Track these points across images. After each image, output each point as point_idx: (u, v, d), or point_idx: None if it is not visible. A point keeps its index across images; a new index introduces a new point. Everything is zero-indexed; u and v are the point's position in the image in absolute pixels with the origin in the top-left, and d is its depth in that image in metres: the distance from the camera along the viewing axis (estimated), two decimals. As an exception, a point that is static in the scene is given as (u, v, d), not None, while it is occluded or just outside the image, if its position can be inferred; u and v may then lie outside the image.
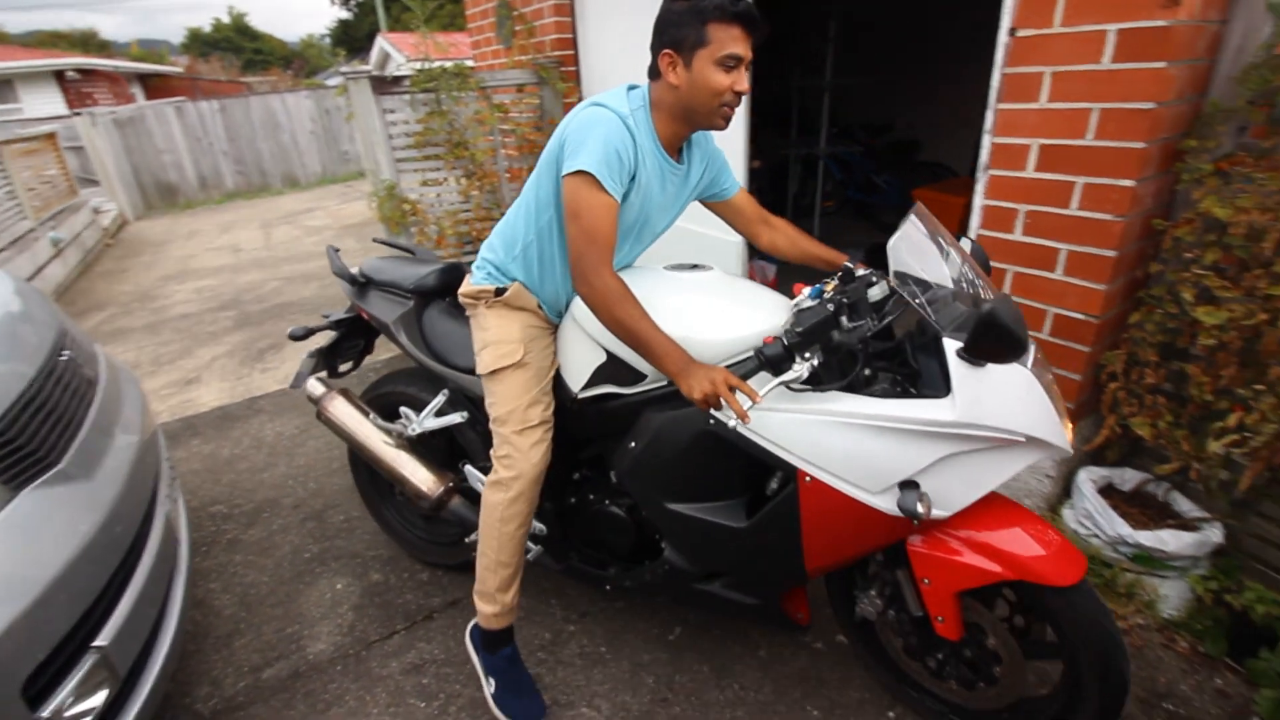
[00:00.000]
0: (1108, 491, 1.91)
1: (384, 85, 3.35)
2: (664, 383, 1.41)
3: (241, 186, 11.93)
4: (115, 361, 1.96)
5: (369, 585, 2.09)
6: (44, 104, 14.60)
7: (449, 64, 3.58)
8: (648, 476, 1.47)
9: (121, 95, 16.23)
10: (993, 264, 1.94)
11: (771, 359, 1.14)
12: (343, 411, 1.94)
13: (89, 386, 1.60)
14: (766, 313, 1.36)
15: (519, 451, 1.49)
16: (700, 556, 1.51)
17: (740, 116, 2.78)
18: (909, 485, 1.16)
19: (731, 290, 1.47)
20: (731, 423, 1.16)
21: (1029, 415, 1.12)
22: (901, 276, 1.16)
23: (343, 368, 2.15)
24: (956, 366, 1.11)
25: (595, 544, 1.75)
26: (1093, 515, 1.83)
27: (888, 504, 1.17)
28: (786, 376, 1.14)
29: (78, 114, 9.62)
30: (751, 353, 1.17)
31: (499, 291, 1.51)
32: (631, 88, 1.39)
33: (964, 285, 1.23)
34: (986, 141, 1.90)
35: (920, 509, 1.12)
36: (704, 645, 1.79)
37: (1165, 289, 1.73)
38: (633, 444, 1.47)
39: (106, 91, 15.71)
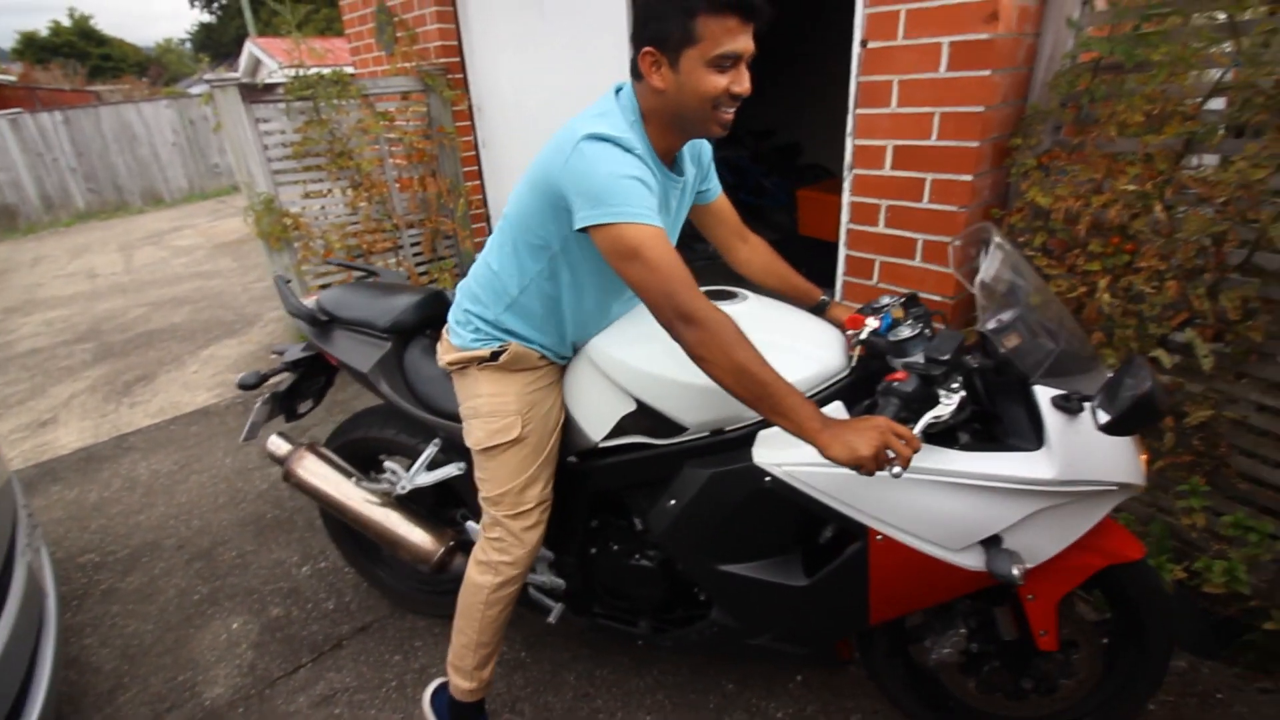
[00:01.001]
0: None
1: (255, 93, 3.18)
2: (706, 433, 1.26)
3: (95, 206, 10.82)
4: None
5: (269, 621, 1.98)
6: None
7: (327, 71, 3.44)
8: (693, 537, 1.32)
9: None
10: (862, 255, 2.12)
11: (914, 396, 1.00)
12: (316, 471, 1.68)
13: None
14: (828, 348, 1.23)
15: (512, 536, 1.35)
16: (754, 616, 1.38)
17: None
18: (993, 540, 1.08)
19: (781, 322, 1.30)
20: (895, 471, 0.95)
21: (1120, 461, 1.07)
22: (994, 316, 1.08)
23: (302, 409, 1.88)
24: (1053, 417, 1.04)
25: (622, 596, 1.56)
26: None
27: (971, 561, 1.09)
28: (939, 411, 1.01)
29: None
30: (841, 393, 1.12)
31: (495, 355, 1.31)
32: (618, 89, 1.19)
33: (1030, 316, 1.13)
34: (850, 144, 2.07)
35: (1016, 573, 1.03)
36: (621, 638, 1.80)
37: (1007, 271, 1.95)
38: (672, 501, 1.30)
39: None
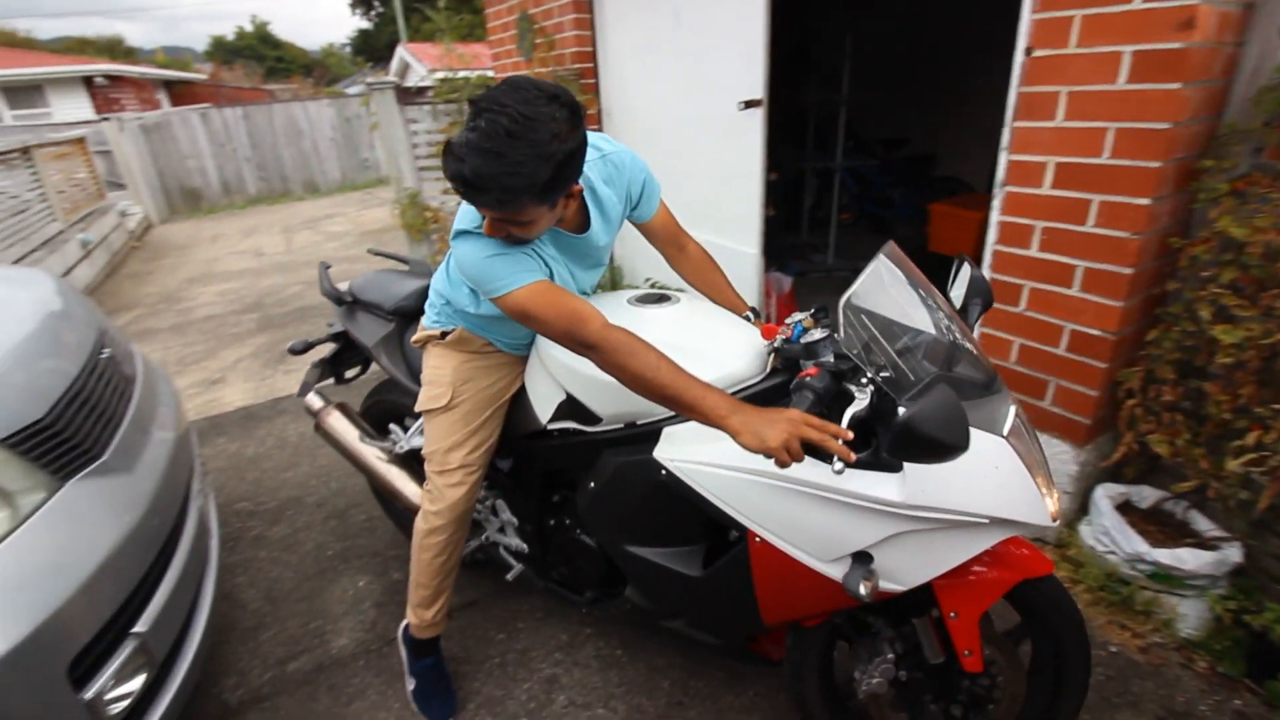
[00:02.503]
0: (1125, 508, 1.91)
1: (408, 95, 3.44)
2: (620, 425, 1.38)
3: (263, 192, 12.15)
4: (149, 360, 2.03)
5: (390, 584, 2.13)
6: (72, 109, 14.94)
7: (472, 75, 3.66)
8: (606, 518, 1.45)
9: (148, 101, 16.59)
10: (1009, 279, 1.97)
11: (827, 390, 1.03)
12: (338, 426, 1.99)
13: (127, 383, 1.66)
14: (743, 354, 1.26)
15: (437, 490, 1.55)
16: (658, 599, 1.49)
17: (757, 130, 2.83)
18: (862, 556, 1.09)
19: (703, 325, 1.37)
20: (838, 467, 0.96)
21: (998, 495, 1.02)
22: (857, 327, 1.04)
23: (349, 374, 2.18)
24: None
25: (570, 565, 1.71)
26: (1110, 532, 1.84)
27: (837, 573, 1.10)
28: (856, 407, 1.01)
29: (106, 119, 9.84)
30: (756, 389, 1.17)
31: (444, 335, 1.54)
32: None
33: (943, 336, 1.12)
34: (1004, 159, 1.93)
35: (863, 591, 1.04)
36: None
37: (1183, 307, 1.74)
38: (591, 484, 1.43)
39: (133, 97, 16.06)
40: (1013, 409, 1.08)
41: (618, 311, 1.37)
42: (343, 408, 2.03)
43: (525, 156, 1.04)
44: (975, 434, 0.99)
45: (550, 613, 1.97)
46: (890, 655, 1.26)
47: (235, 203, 11.72)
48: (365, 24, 35.75)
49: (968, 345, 1.13)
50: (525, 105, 1.04)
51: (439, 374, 1.54)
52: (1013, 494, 1.03)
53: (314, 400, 2.05)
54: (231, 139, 11.79)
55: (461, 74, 3.60)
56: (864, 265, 1.13)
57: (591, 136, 1.33)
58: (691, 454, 1.23)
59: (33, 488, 1.19)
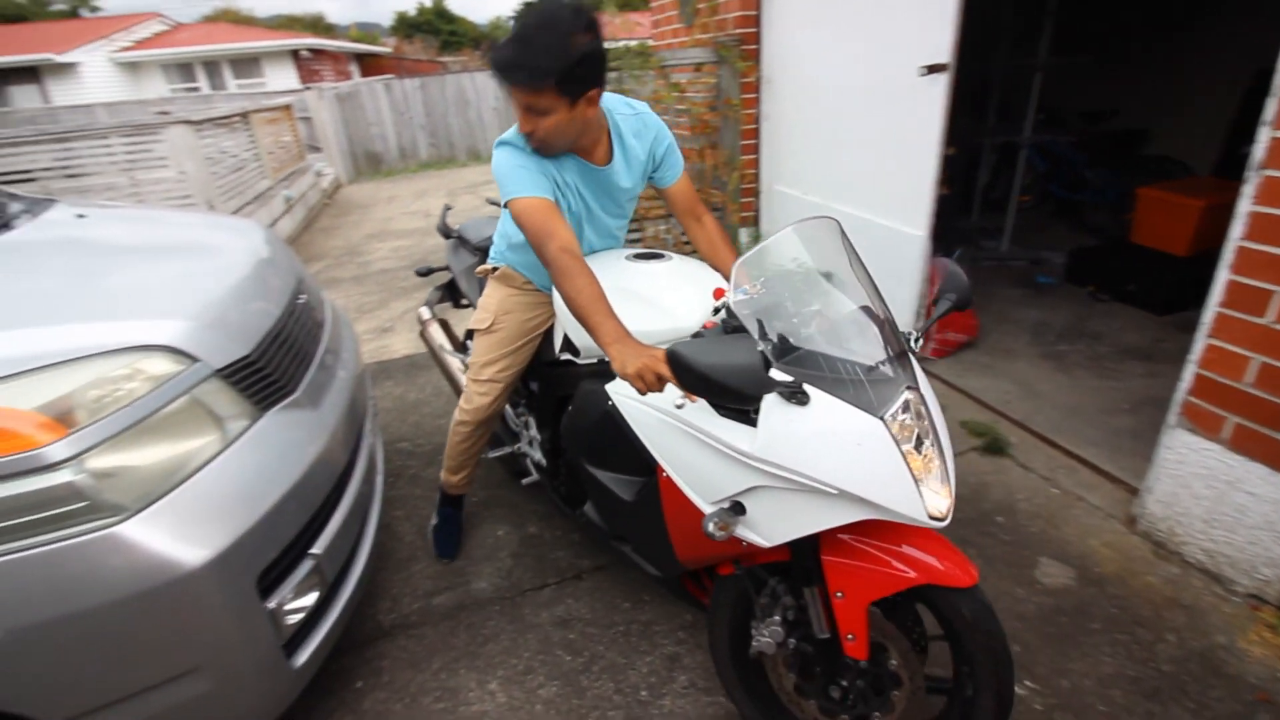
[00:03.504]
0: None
1: (572, 64, 3.49)
2: (594, 360, 1.62)
3: (434, 157, 13.12)
4: (335, 306, 2.24)
5: (526, 536, 2.24)
6: (282, 79, 16.95)
7: (633, 43, 3.64)
8: (572, 436, 1.69)
9: (342, 73, 18.45)
10: (1256, 284, 1.63)
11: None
12: (434, 335, 2.49)
13: (318, 327, 1.84)
14: (687, 310, 1.45)
15: (469, 394, 1.92)
16: (607, 518, 1.68)
17: (939, 98, 2.56)
18: (737, 506, 1.18)
19: (670, 283, 1.54)
20: (679, 402, 1.18)
21: (854, 471, 1.04)
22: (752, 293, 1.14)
23: (464, 301, 2.50)
24: (769, 400, 1.09)
25: (568, 486, 1.94)
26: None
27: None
28: None
29: (308, 88, 11.03)
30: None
31: (495, 270, 1.89)
32: None
33: (835, 312, 1.20)
34: (1265, 135, 1.58)
35: (711, 528, 1.14)
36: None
37: None
38: (570, 407, 1.69)
39: (330, 69, 17.92)
40: (907, 396, 1.09)
41: (616, 262, 1.62)
42: (442, 323, 2.53)
43: (549, 43, 1.31)
44: (843, 408, 1.05)
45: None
46: (778, 618, 1.30)
47: (409, 166, 12.77)
48: (530, -4, 37.10)
49: (871, 325, 1.18)
50: (551, 6, 1.34)
51: (488, 301, 1.87)
52: (876, 475, 1.04)
53: (424, 312, 2.56)
54: (409, 108, 12.80)
55: (621, 43, 3.59)
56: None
57: (631, 101, 1.67)
58: (628, 389, 1.38)
59: (239, 415, 1.35)
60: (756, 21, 3.72)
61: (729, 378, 1.03)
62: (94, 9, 33.27)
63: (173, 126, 5.30)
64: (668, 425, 1.29)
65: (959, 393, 2.93)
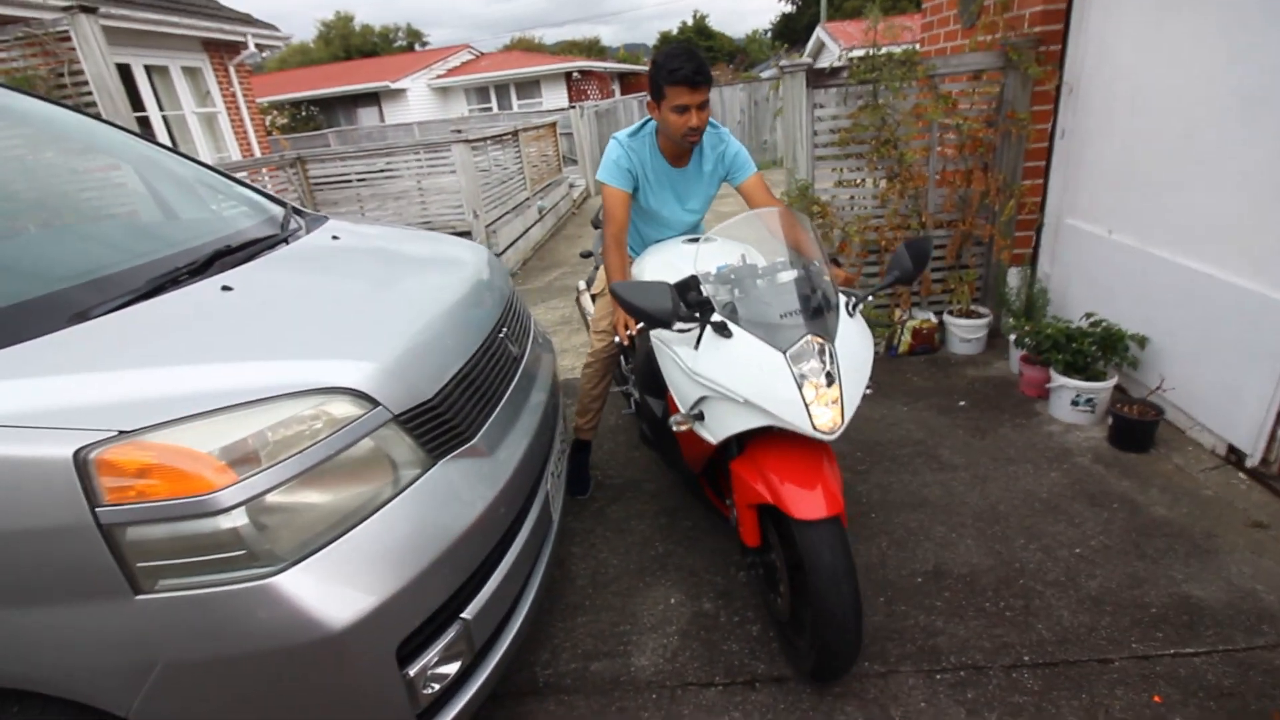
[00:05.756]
0: None
1: (820, 78, 3.14)
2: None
3: (673, 170, 13.52)
4: (539, 329, 2.22)
5: (699, 613, 1.98)
6: (555, 98, 18.90)
7: (896, 50, 3.17)
8: (636, 373, 2.29)
9: (606, 91, 20.01)
10: None
11: (675, 294, 1.56)
12: (585, 304, 2.92)
13: (512, 364, 1.77)
14: (672, 276, 1.72)
15: (591, 342, 2.43)
16: (651, 429, 2.24)
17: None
18: (701, 415, 1.68)
19: (701, 254, 1.83)
20: (615, 339, 2.19)
21: (755, 386, 1.47)
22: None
23: None
24: (708, 331, 1.59)
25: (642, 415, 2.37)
26: None
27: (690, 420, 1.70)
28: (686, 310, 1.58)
29: (572, 107, 12.04)
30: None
31: None
32: (647, 121, 2.23)
33: (770, 276, 1.68)
34: None
35: (672, 423, 1.69)
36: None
37: None
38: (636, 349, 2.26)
39: (596, 88, 19.53)
40: (815, 344, 1.46)
41: (675, 244, 2.31)
42: (590, 293, 2.81)
43: (696, 55, 1.99)
44: (755, 341, 1.50)
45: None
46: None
47: (650, 179, 13.31)
48: (788, 8, 36.76)
49: (797, 290, 1.58)
50: (688, 44, 2.14)
51: (600, 272, 2.43)
52: (773, 392, 1.45)
53: (580, 285, 3.02)
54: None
55: (884, 50, 3.14)
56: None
57: (714, 123, 2.20)
58: (662, 335, 1.80)
59: (411, 464, 1.29)
60: (1064, 17, 3.00)
61: (645, 307, 1.52)
62: (424, 43, 40.67)
63: (455, 145, 6.03)
64: (667, 357, 1.81)
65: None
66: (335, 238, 2.00)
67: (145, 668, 1.05)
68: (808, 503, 1.47)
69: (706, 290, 1.62)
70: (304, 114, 21.36)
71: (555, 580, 2.18)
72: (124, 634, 1.04)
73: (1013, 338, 3.12)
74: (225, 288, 1.47)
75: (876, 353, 3.57)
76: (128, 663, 1.05)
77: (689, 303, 1.59)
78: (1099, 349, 2.71)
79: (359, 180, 6.32)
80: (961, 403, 3.06)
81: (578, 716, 1.70)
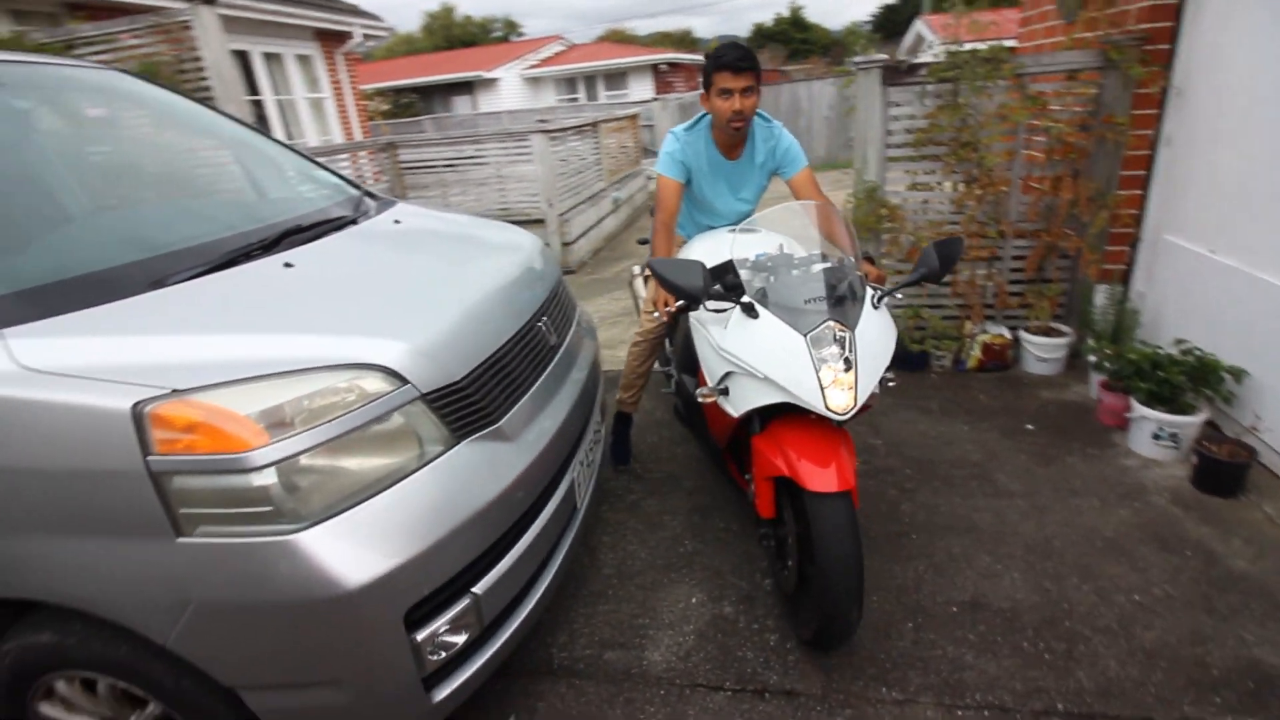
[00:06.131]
0: None
1: (896, 75, 3.01)
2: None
3: (754, 166, 13.32)
4: (585, 319, 2.26)
5: (719, 615, 1.98)
6: (642, 90, 18.96)
7: (982, 46, 3.00)
8: (676, 353, 2.53)
9: (692, 84, 19.87)
10: None
11: (710, 277, 1.73)
12: (637, 288, 3.02)
13: (548, 353, 1.81)
14: (713, 260, 1.90)
15: (641, 322, 2.53)
16: (685, 405, 2.45)
17: None
18: (725, 390, 1.80)
19: (746, 243, 1.95)
20: (658, 315, 2.11)
21: (773, 363, 1.61)
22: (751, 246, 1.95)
23: None
24: (736, 311, 1.73)
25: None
26: None
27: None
28: (720, 288, 1.76)
29: (655, 99, 12.05)
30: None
31: None
32: (703, 115, 2.35)
33: (799, 267, 1.81)
34: None
35: (699, 394, 1.87)
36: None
37: None
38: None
39: (683, 81, 19.45)
40: (831, 329, 1.58)
41: (722, 233, 2.39)
42: (645, 279, 2.80)
43: (743, 47, 2.13)
44: (778, 323, 1.64)
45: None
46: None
47: (730, 174, 13.15)
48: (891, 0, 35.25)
49: (825, 279, 1.69)
50: (733, 39, 2.24)
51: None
52: (791, 371, 1.58)
53: (634, 269, 3.13)
54: (742, 117, 13.16)
55: (968, 46, 2.97)
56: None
57: (765, 113, 2.35)
58: (699, 315, 1.93)
59: (435, 440, 1.35)
60: (1174, 14, 2.74)
61: (678, 283, 1.67)
62: (520, 34, 41.70)
63: (533, 134, 6.18)
64: (701, 337, 1.94)
65: None
66: (397, 221, 2.10)
67: (182, 604, 1.16)
68: (821, 477, 1.58)
69: (742, 274, 1.79)
70: (404, 101, 22.42)
71: (583, 566, 2.23)
72: (165, 571, 1.15)
73: (1092, 359, 2.90)
74: (287, 264, 1.58)
75: (943, 367, 3.41)
76: (168, 597, 1.16)
77: (726, 285, 1.78)
78: (1188, 379, 2.48)
79: (444, 166, 6.58)
80: (1029, 426, 2.88)
81: (586, 702, 1.73)
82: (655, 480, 2.70)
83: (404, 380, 1.31)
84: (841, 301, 1.65)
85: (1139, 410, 2.55)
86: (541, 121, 6.87)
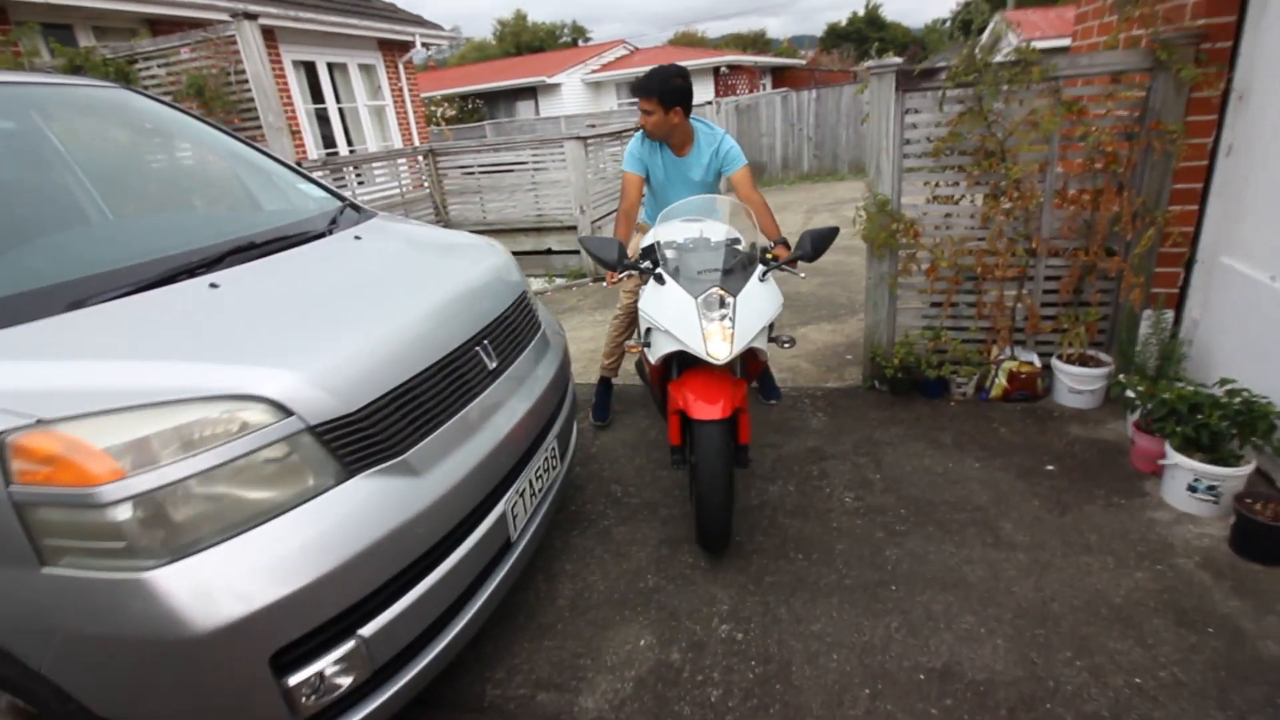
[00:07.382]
0: None
1: (911, 80, 2.79)
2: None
3: (815, 169, 12.92)
4: (557, 335, 2.28)
5: (663, 662, 1.86)
6: (703, 93, 18.74)
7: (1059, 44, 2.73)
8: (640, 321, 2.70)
9: (754, 85, 19.53)
10: None
11: (645, 257, 2.32)
12: (627, 285, 3.10)
13: (483, 379, 1.74)
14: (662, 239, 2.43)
15: (620, 297, 3.15)
16: (639, 363, 2.87)
17: None
18: (649, 344, 2.23)
19: (680, 228, 2.50)
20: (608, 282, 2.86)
21: (677, 321, 2.03)
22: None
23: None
24: (651, 280, 2.21)
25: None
26: None
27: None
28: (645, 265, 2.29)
29: (709, 103, 11.87)
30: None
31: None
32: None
33: (710, 243, 2.32)
34: None
35: (627, 343, 2.85)
36: None
37: None
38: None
39: (745, 83, 19.12)
40: (718, 294, 2.03)
41: (675, 221, 2.58)
42: (631, 278, 3.09)
43: (657, 77, 2.72)
44: (677, 289, 2.09)
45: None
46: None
47: (788, 178, 12.82)
48: (976, -6, 33.57)
49: (720, 253, 2.19)
50: (664, 67, 2.80)
51: (632, 243, 2.97)
52: (684, 326, 2.01)
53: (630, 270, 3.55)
54: (801, 119, 12.80)
55: (1040, 44, 2.72)
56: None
57: (709, 122, 2.98)
58: (652, 286, 2.26)
59: (320, 474, 1.30)
60: (1236, 7, 2.41)
61: (598, 255, 2.23)
62: (587, 39, 42.19)
63: (567, 141, 6.17)
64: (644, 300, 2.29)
65: None
66: (358, 238, 2.09)
67: (48, 633, 1.15)
68: (705, 410, 2.02)
69: (668, 253, 2.27)
70: (470, 106, 23.07)
71: (539, 596, 2.15)
72: (32, 599, 1.14)
73: (1130, 395, 2.59)
74: (213, 285, 1.58)
75: (963, 395, 3.15)
76: (37, 625, 1.16)
77: (654, 261, 2.25)
78: (1232, 425, 2.17)
79: (481, 171, 6.67)
80: (1050, 466, 2.60)
81: (508, 746, 1.65)
82: (632, 506, 2.59)
83: (288, 412, 1.27)
84: (730, 273, 2.11)
85: (1173, 457, 2.25)
86: (591, 127, 6.87)
